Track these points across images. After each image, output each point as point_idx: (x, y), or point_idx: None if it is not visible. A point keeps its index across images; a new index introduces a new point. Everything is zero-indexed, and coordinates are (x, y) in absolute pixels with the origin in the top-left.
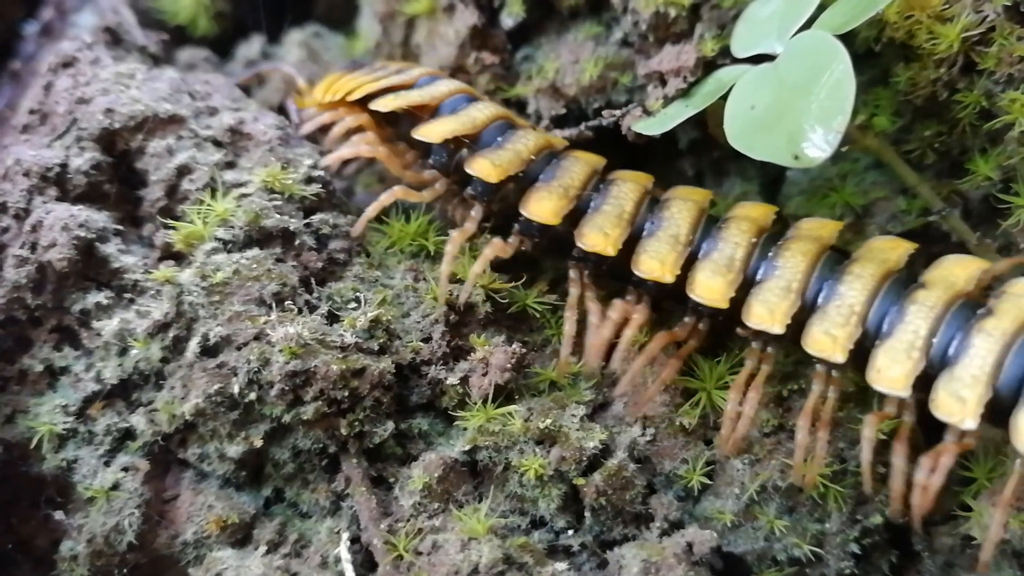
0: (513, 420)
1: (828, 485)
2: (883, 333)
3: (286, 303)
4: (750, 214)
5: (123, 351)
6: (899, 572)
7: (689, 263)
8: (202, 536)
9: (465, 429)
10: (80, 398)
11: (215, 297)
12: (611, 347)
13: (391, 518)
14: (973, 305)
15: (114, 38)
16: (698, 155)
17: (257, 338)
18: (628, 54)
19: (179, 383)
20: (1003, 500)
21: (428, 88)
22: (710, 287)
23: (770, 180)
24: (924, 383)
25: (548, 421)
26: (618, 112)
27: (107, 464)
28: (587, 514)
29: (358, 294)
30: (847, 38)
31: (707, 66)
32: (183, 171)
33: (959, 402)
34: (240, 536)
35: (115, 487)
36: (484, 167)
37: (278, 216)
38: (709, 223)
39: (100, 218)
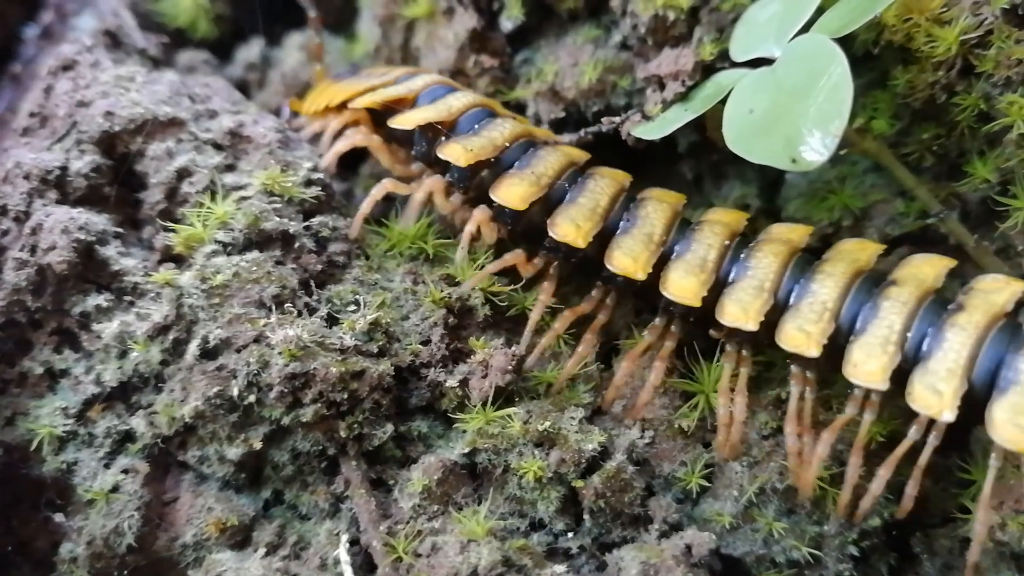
0: (512, 422)
1: (827, 488)
2: (857, 329)
3: (286, 306)
4: (722, 219)
5: (123, 353)
6: (897, 574)
7: (661, 263)
8: (201, 538)
9: (464, 431)
10: (80, 400)
11: (215, 300)
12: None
13: (390, 520)
14: (943, 301)
15: (114, 41)
16: (697, 159)
17: (257, 340)
18: (627, 57)
19: (179, 385)
20: (983, 498)
21: (406, 83)
22: (683, 286)
23: (769, 183)
24: (898, 377)
25: (547, 424)
26: (617, 119)
27: (107, 466)
28: (586, 516)
29: (357, 297)
30: (845, 41)
31: (706, 70)
32: (183, 174)
33: (936, 395)
34: (239, 538)
35: (115, 489)
36: (455, 151)
37: (278, 219)
38: (683, 225)
39: (100, 221)
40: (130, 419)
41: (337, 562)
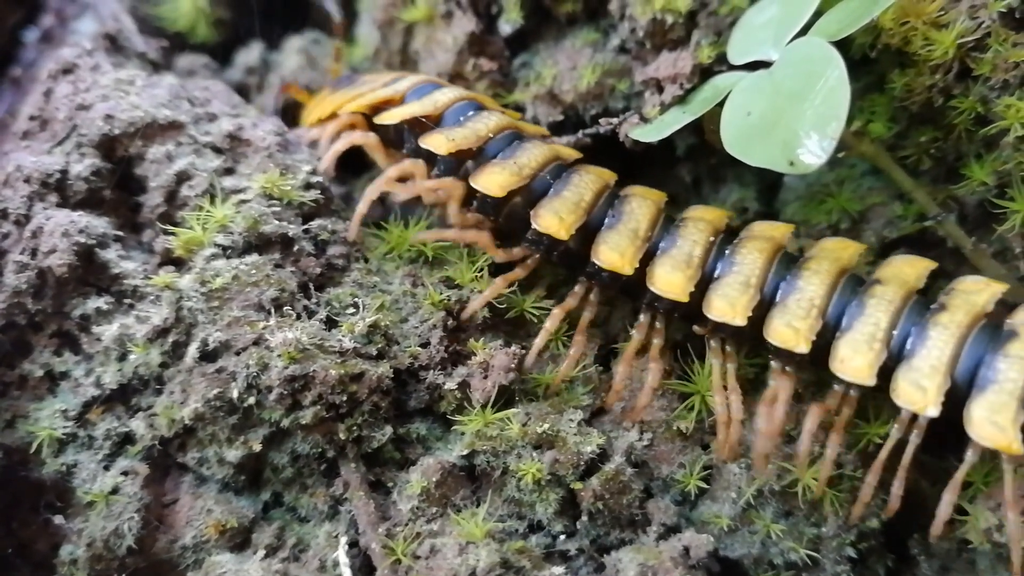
0: (511, 425)
1: (824, 489)
2: (843, 326)
3: (285, 308)
4: (705, 216)
5: (123, 356)
6: None
7: (647, 259)
8: (201, 540)
9: (463, 434)
10: (80, 403)
11: (214, 302)
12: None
13: (389, 522)
14: (926, 301)
15: (114, 45)
16: (695, 161)
17: (256, 343)
18: (625, 61)
19: (178, 388)
20: (952, 484)
21: (394, 85)
22: (670, 281)
23: (767, 186)
24: (882, 374)
25: (546, 426)
26: (615, 120)
27: (107, 468)
28: (584, 518)
29: (356, 299)
30: (843, 44)
31: (704, 73)
32: (182, 177)
33: (920, 391)
34: (239, 540)
35: (114, 491)
36: (437, 140)
37: (277, 222)
38: (666, 222)
39: (100, 224)
40: (130, 421)
41: (336, 564)
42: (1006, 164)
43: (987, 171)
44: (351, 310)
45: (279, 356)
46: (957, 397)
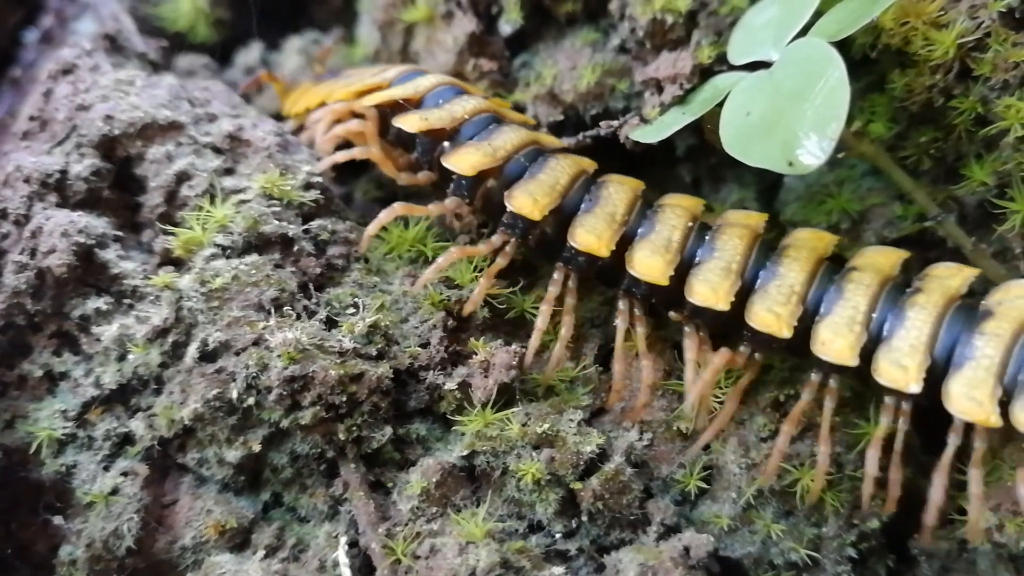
0: (511, 425)
1: (824, 490)
2: (822, 312)
3: (284, 309)
4: (682, 203)
5: (122, 356)
6: None
7: (624, 244)
8: (200, 541)
9: (463, 434)
10: (79, 403)
11: (214, 303)
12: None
13: (389, 522)
14: (901, 287)
15: (114, 45)
16: (695, 162)
17: (256, 343)
18: (625, 61)
19: (178, 388)
20: (941, 466)
21: (381, 74)
22: (650, 265)
23: (767, 186)
24: (864, 359)
25: (546, 426)
26: (615, 123)
27: (106, 469)
28: (584, 518)
29: (356, 300)
30: (843, 45)
31: (704, 73)
32: (182, 177)
33: (901, 369)
34: (238, 541)
35: (114, 492)
36: (410, 120)
37: (277, 222)
38: (643, 208)
39: (99, 224)
40: (129, 422)
41: (336, 564)
42: (1006, 164)
43: (987, 171)
44: (351, 310)
45: (279, 356)
46: (937, 376)
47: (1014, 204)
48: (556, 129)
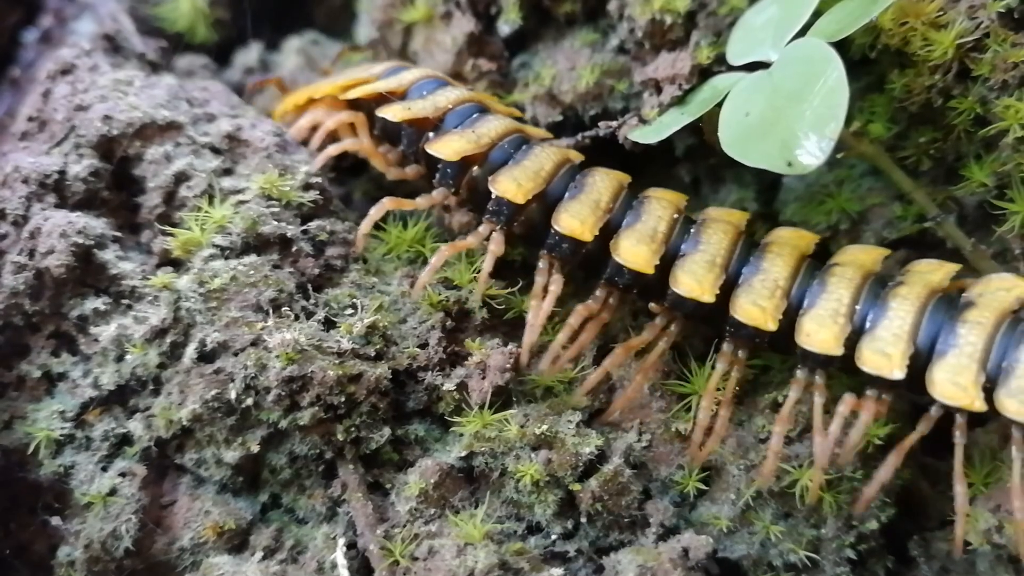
0: (509, 426)
1: (823, 491)
2: (806, 305)
3: (283, 309)
4: (666, 196)
5: (120, 357)
6: None
7: (609, 232)
8: (199, 542)
9: (461, 435)
10: (78, 404)
11: (212, 303)
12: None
13: (387, 524)
14: (883, 281)
15: (113, 45)
16: (694, 162)
17: (254, 344)
18: (624, 61)
19: (176, 389)
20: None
21: (369, 69)
22: (636, 253)
23: (766, 186)
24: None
25: (544, 427)
26: (614, 124)
27: (104, 470)
28: (583, 520)
29: (355, 300)
30: (842, 45)
31: (702, 73)
32: (181, 178)
33: (885, 357)
34: (237, 542)
35: (112, 493)
36: (394, 109)
37: (275, 223)
38: (628, 198)
39: (98, 225)
40: (127, 422)
41: (334, 566)
42: (1005, 165)
43: (986, 172)
44: (349, 311)
45: (277, 357)
46: (920, 365)
47: (1013, 205)
48: (555, 130)
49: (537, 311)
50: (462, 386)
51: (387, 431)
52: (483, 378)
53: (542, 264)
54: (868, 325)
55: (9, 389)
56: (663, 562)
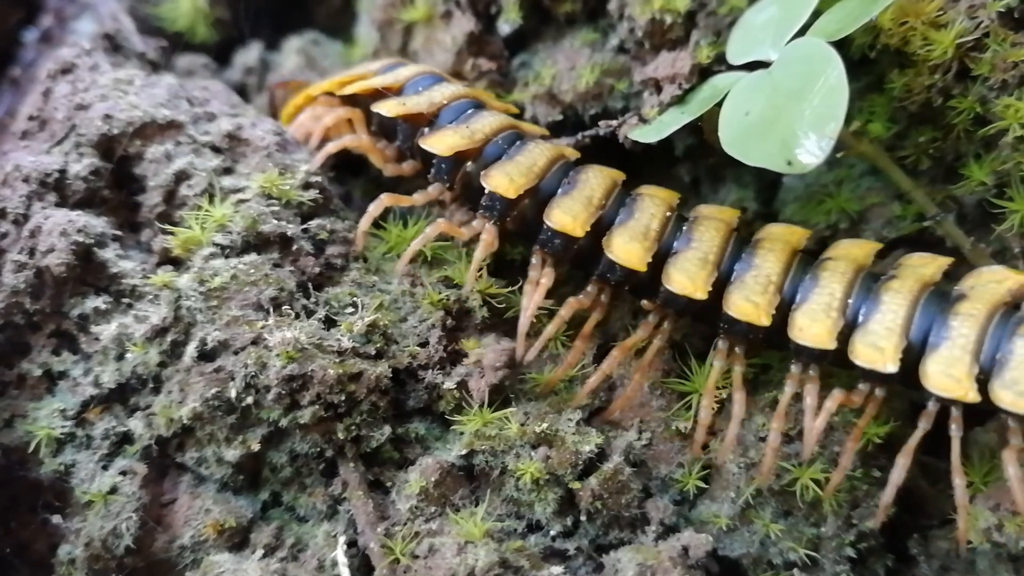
0: (509, 424)
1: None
2: (799, 300)
3: (283, 308)
4: (658, 193)
5: (121, 355)
6: None
7: (601, 229)
8: (199, 540)
9: (462, 433)
10: (78, 402)
11: (213, 302)
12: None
13: (388, 522)
14: (875, 275)
15: (113, 45)
16: (694, 161)
17: (254, 343)
18: (624, 61)
19: (177, 387)
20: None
21: (367, 65)
22: (628, 250)
23: (766, 186)
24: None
25: (544, 425)
26: (614, 122)
27: (105, 468)
28: (583, 518)
29: (355, 299)
30: (842, 45)
31: (702, 73)
32: (181, 177)
33: (878, 351)
34: (237, 540)
35: (113, 491)
36: (389, 105)
37: (276, 221)
38: (621, 196)
39: (98, 223)
40: (128, 421)
41: (335, 564)
42: (1005, 164)
43: (986, 171)
44: (350, 310)
45: (277, 355)
46: (913, 358)
47: (1013, 204)
48: (555, 129)
49: (530, 298)
50: (462, 384)
51: (387, 429)
52: (482, 377)
53: (535, 259)
54: (861, 319)
55: (10, 387)
56: (663, 560)
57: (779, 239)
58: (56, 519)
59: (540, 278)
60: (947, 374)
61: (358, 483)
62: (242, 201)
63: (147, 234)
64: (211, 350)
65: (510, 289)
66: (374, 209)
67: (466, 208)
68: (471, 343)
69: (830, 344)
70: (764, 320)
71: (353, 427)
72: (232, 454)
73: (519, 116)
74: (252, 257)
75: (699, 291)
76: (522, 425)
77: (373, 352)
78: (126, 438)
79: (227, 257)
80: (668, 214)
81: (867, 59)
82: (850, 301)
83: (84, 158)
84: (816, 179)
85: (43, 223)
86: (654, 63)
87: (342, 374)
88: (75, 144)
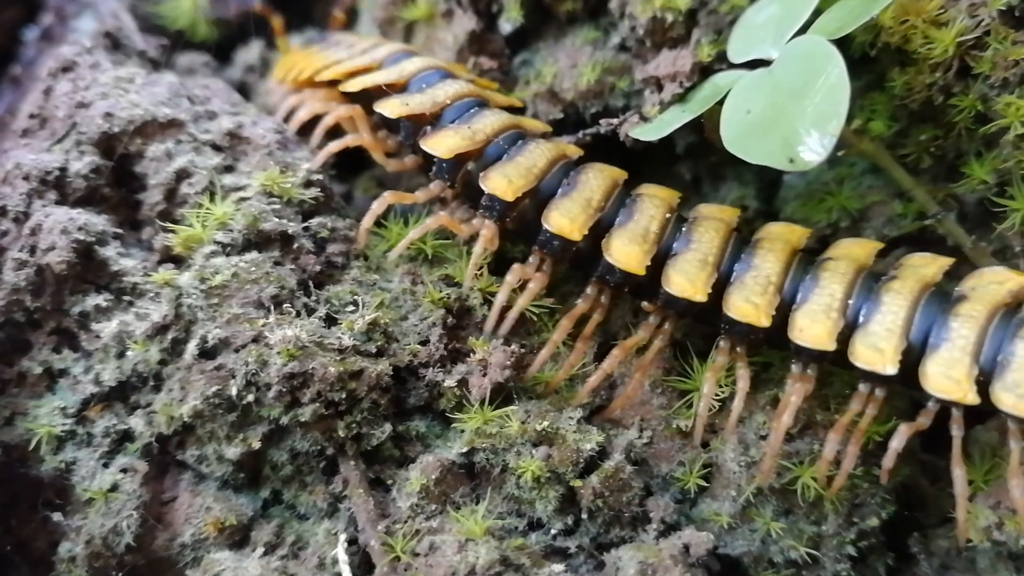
0: (510, 422)
1: (824, 487)
2: (799, 300)
3: (284, 306)
4: (659, 193)
5: (122, 353)
6: (895, 574)
7: (601, 231)
8: (200, 538)
9: (462, 431)
10: (79, 400)
11: (213, 300)
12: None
13: (388, 520)
14: (876, 275)
15: (114, 43)
16: (695, 160)
17: (255, 340)
18: (625, 59)
19: (177, 385)
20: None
21: (372, 52)
22: (627, 253)
23: (767, 184)
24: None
25: (545, 423)
26: (615, 121)
27: (105, 466)
28: (584, 516)
29: (356, 297)
30: (843, 43)
31: (703, 71)
32: (182, 175)
33: (878, 352)
34: (238, 538)
35: (113, 489)
36: (391, 105)
37: (276, 219)
38: (621, 196)
39: (99, 221)
40: (129, 418)
41: (335, 561)
42: (1006, 162)
43: (987, 169)
44: (350, 308)
45: (278, 353)
46: (913, 359)
47: (1014, 202)
48: (556, 127)
49: (507, 290)
50: (463, 382)
51: (388, 427)
52: (484, 375)
53: (532, 259)
54: (861, 320)
55: (10, 385)
56: (664, 559)
57: (779, 238)
58: (57, 517)
59: (531, 277)
60: (946, 376)
61: (359, 481)
62: (243, 199)
63: (148, 232)
64: (212, 348)
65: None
66: (377, 207)
67: (467, 206)
68: (478, 342)
69: (830, 345)
70: (764, 321)
71: (354, 425)
72: (233, 452)
73: (523, 111)
74: (253, 255)
75: (699, 293)
76: (523, 423)
77: (374, 350)
78: (127, 436)
79: (228, 255)
80: (668, 215)
81: (868, 57)
82: (850, 302)
83: (85, 156)
84: (817, 177)
85: (44, 221)
86: (655, 61)
87: (343, 372)
88: (76, 142)
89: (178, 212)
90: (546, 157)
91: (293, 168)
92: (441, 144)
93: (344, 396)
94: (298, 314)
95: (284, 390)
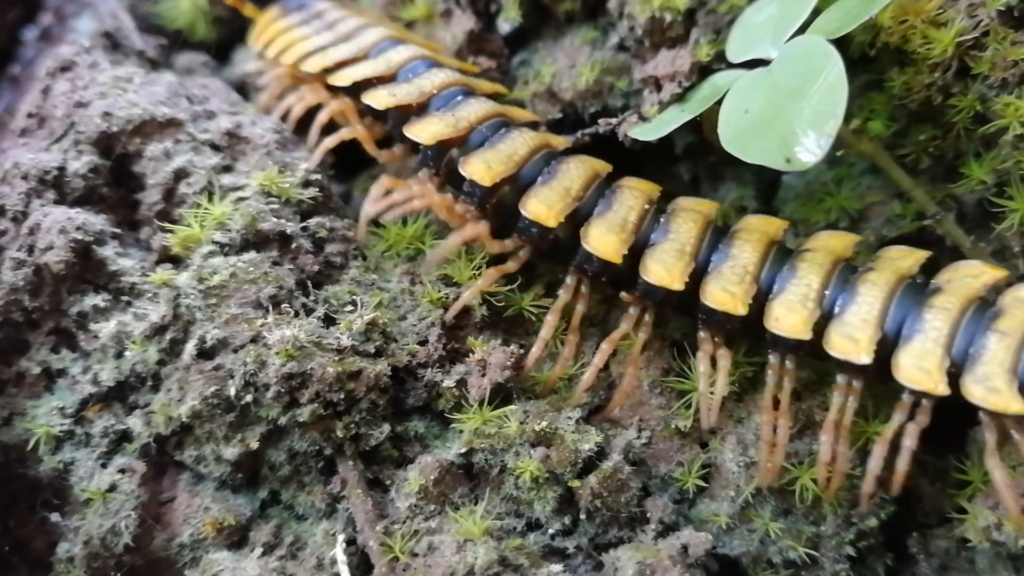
0: (509, 422)
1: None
2: (776, 290)
3: (282, 306)
4: (638, 185)
5: (120, 353)
6: (894, 575)
7: (579, 220)
8: (198, 538)
9: (461, 431)
10: (77, 400)
11: (212, 300)
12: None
13: (387, 520)
14: (853, 267)
15: (112, 43)
16: (694, 160)
17: (254, 341)
18: (624, 59)
19: (176, 385)
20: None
21: (356, 40)
22: (604, 242)
23: (766, 184)
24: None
25: (544, 423)
26: (614, 120)
27: (104, 466)
28: (582, 516)
29: (354, 297)
30: (842, 43)
31: (702, 71)
32: (180, 175)
33: (853, 342)
34: (236, 538)
35: (112, 489)
36: (379, 96)
37: (275, 219)
38: (602, 186)
39: (98, 221)
40: (127, 419)
41: (333, 562)
42: (1005, 163)
43: (986, 169)
44: (349, 308)
45: (277, 354)
46: (888, 350)
47: (1013, 202)
48: (555, 127)
49: (489, 278)
50: (462, 383)
51: (387, 428)
52: (483, 375)
53: (509, 243)
54: (837, 310)
55: (8, 385)
56: (662, 559)
57: (756, 230)
58: (55, 517)
59: (508, 263)
60: (918, 366)
61: (357, 481)
62: (241, 199)
63: (146, 232)
64: (210, 348)
65: (509, 288)
66: (376, 191)
67: (448, 188)
68: (477, 342)
69: (805, 334)
70: (740, 310)
71: (352, 425)
72: (231, 452)
73: (510, 101)
74: (251, 255)
75: (676, 282)
76: (521, 423)
77: (372, 350)
78: (125, 436)
79: (226, 255)
80: (647, 206)
81: (867, 57)
82: (827, 292)
83: (83, 156)
84: (816, 177)
85: (42, 220)
86: (654, 61)
87: (341, 372)
88: (74, 142)
89: (176, 212)
90: (528, 145)
91: (291, 168)
92: (424, 131)
93: (342, 396)
94: (296, 314)
95: (282, 390)
